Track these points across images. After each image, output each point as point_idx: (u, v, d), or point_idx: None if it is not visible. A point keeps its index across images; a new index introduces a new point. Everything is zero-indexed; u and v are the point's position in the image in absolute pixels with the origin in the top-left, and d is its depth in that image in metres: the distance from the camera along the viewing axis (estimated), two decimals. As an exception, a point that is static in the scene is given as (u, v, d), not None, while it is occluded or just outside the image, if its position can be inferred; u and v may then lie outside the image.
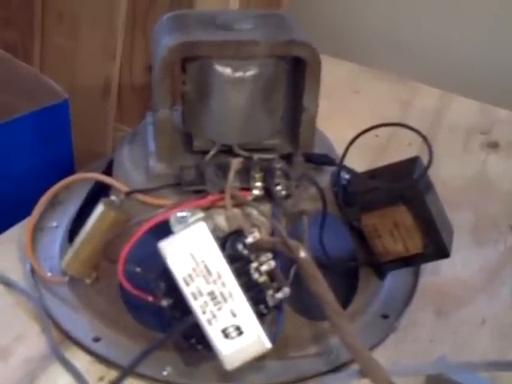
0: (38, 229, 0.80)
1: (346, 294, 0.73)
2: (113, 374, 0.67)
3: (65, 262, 0.71)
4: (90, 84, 1.19)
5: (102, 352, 0.69)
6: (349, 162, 0.72)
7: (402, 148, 0.94)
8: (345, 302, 0.71)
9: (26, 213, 0.80)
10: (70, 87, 1.04)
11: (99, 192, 0.75)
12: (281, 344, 0.67)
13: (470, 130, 1.04)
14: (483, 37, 1.20)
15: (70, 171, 0.92)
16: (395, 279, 0.77)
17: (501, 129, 1.05)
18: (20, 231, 0.81)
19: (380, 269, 0.74)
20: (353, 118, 0.99)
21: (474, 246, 0.84)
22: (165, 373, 0.67)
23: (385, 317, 0.74)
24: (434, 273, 0.79)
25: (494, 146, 1.01)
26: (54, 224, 0.82)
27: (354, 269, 0.74)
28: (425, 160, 0.70)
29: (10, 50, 1.10)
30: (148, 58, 1.16)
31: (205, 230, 0.61)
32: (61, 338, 0.70)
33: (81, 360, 0.68)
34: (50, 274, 0.75)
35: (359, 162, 0.74)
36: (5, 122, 0.88)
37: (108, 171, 0.76)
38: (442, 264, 0.76)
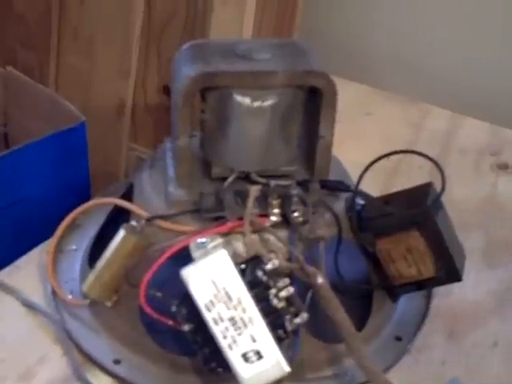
0: (57, 251, 0.81)
1: (361, 316, 0.74)
2: (133, 396, 0.69)
3: (86, 286, 0.72)
4: (105, 103, 1.20)
5: (122, 374, 0.70)
6: (361, 184, 0.73)
7: (413, 171, 0.95)
8: (359, 325, 0.72)
9: (44, 235, 0.81)
10: (85, 106, 1.05)
11: (118, 216, 0.77)
12: (297, 366, 0.68)
13: (481, 151, 1.05)
14: (494, 58, 1.20)
15: (87, 193, 0.94)
16: (408, 302, 0.78)
17: (511, 150, 1.05)
18: (40, 254, 0.82)
19: (393, 292, 0.76)
20: (364, 141, 1.00)
21: (485, 268, 0.85)
22: (185, 395, 0.68)
23: (398, 339, 0.75)
24: (446, 295, 0.80)
25: (504, 167, 1.02)
26: (74, 247, 0.83)
27: (368, 292, 0.75)
28: (436, 182, 0.71)
29: (27, 71, 1.12)
30: (162, 78, 1.17)
31: (226, 257, 0.63)
32: (82, 359, 0.71)
33: (102, 382, 0.69)
34: (70, 297, 0.76)
35: (371, 184, 0.75)
36: (22, 146, 0.89)
37: (127, 195, 0.78)
38: (454, 286, 0.77)
